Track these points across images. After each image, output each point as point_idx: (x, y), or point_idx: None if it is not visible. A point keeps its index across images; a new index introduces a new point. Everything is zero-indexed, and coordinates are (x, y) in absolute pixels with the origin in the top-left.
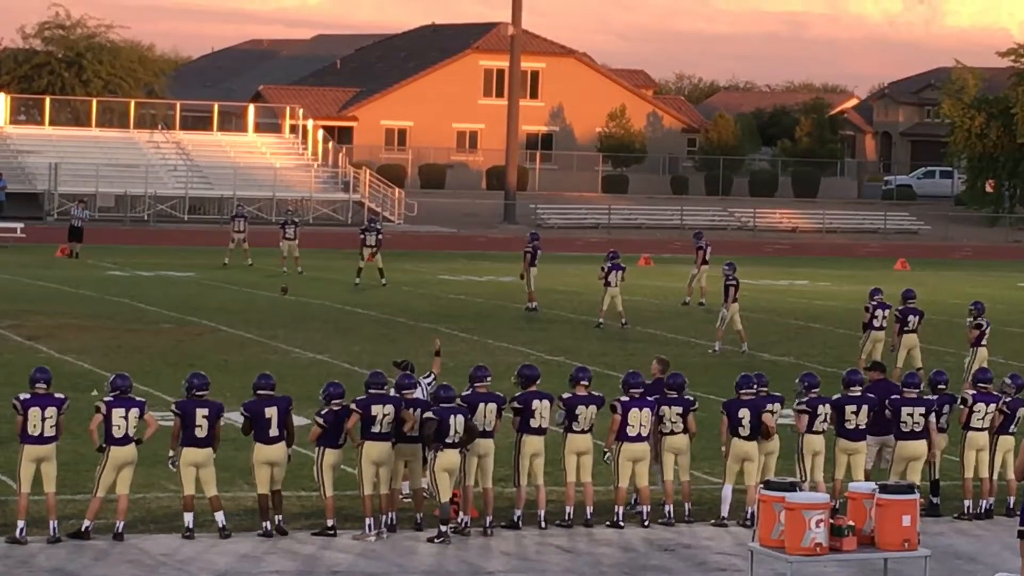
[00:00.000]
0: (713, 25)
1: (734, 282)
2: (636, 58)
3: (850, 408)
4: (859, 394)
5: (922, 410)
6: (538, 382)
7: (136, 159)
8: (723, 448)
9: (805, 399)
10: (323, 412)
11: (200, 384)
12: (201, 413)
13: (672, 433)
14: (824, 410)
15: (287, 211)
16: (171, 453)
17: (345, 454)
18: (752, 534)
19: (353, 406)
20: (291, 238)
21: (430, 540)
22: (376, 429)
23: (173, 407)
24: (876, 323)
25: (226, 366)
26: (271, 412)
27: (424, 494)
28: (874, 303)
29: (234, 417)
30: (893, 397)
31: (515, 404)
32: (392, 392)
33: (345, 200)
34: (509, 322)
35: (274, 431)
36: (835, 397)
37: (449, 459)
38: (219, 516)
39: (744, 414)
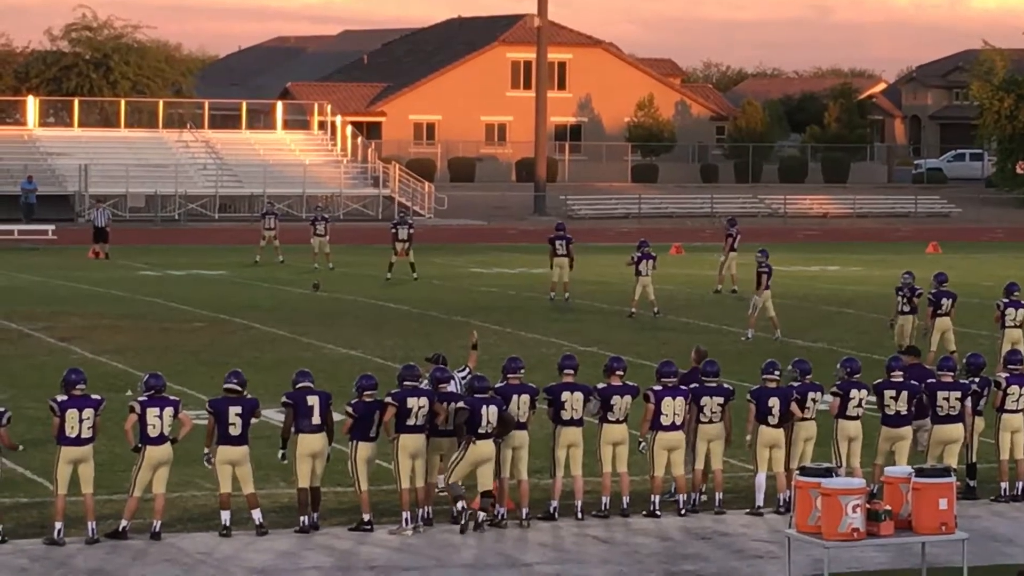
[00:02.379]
0: (739, 12)
1: (767, 269)
2: (663, 47)
3: (889, 393)
4: (900, 379)
5: (958, 394)
6: (570, 372)
7: (165, 159)
8: (747, 437)
9: (839, 382)
10: (353, 402)
11: (235, 381)
12: (234, 411)
13: (710, 422)
14: (858, 395)
15: (317, 207)
16: (206, 451)
17: (380, 448)
18: (788, 520)
19: (389, 399)
20: (321, 234)
21: (455, 522)
22: (411, 422)
23: (207, 405)
24: (904, 308)
25: (258, 363)
26: (313, 400)
27: (436, 490)
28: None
29: (269, 415)
30: (929, 381)
31: (546, 395)
32: (426, 385)
33: (375, 195)
34: (541, 314)
35: (316, 419)
36: (876, 382)
37: (482, 450)
38: (256, 514)
39: (774, 402)
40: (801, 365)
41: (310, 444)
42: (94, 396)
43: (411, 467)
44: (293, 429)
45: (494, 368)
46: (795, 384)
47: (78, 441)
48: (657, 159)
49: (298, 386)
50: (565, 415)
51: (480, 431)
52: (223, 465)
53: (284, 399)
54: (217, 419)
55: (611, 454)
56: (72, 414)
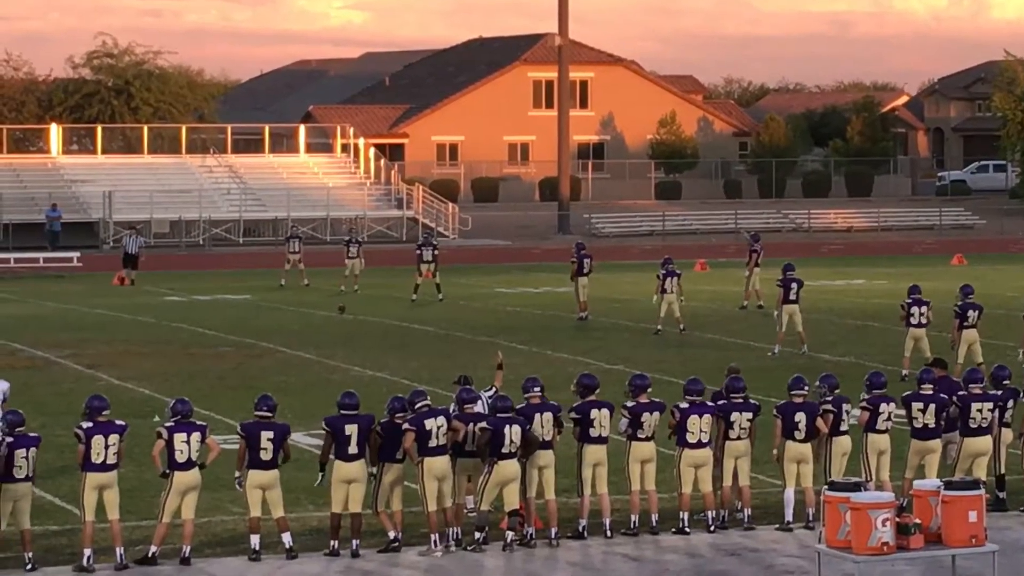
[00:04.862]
0: (759, 28)
1: (782, 283)
2: (684, 64)
3: (917, 406)
4: (929, 392)
5: (989, 406)
6: (597, 391)
7: (189, 184)
8: (774, 452)
9: (868, 396)
10: (383, 422)
11: (265, 405)
12: (266, 436)
13: (739, 439)
14: (888, 408)
15: (350, 230)
16: (237, 474)
17: (407, 470)
18: (818, 535)
19: (407, 425)
20: (354, 256)
21: (466, 548)
22: (433, 443)
23: (238, 429)
24: (913, 320)
25: (286, 386)
26: (351, 429)
27: (466, 511)
28: (909, 301)
29: (296, 438)
30: (961, 394)
31: (573, 414)
32: (452, 407)
33: (399, 217)
34: (567, 333)
35: (353, 448)
36: (904, 394)
37: (506, 470)
38: (286, 537)
39: (800, 417)
40: (829, 380)
41: (346, 472)
42: (118, 422)
43: (437, 489)
44: (332, 455)
45: (520, 388)
46: (828, 399)
47: (103, 467)
48: (680, 176)
49: (343, 412)
50: (593, 432)
51: (503, 451)
52: (253, 489)
53: (324, 425)
54: (249, 443)
55: (639, 472)
56: (98, 440)
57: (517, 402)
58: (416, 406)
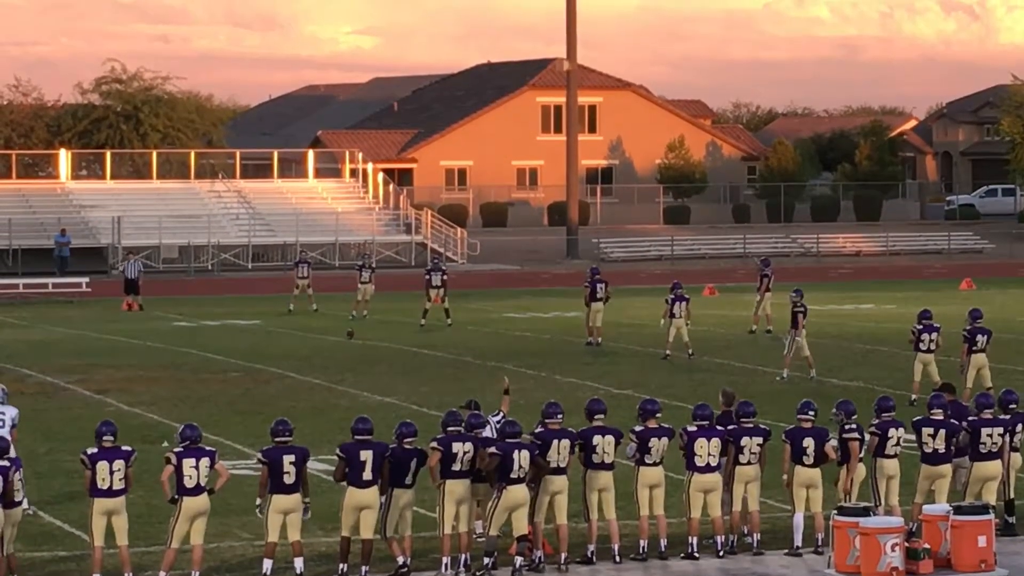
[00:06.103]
0: (768, 52)
1: (802, 309)
2: (692, 88)
3: (927, 431)
4: (940, 418)
5: (999, 430)
6: (602, 416)
7: (198, 209)
8: (784, 477)
9: (876, 421)
10: (391, 447)
11: (285, 430)
12: (288, 460)
13: (748, 464)
14: (896, 434)
15: (364, 255)
16: (259, 501)
17: (416, 495)
18: (827, 560)
19: (434, 444)
20: (366, 281)
21: (475, 573)
22: (457, 467)
23: (260, 455)
24: (923, 346)
25: (294, 412)
26: (366, 455)
27: (475, 536)
28: (920, 327)
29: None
30: (971, 419)
31: (578, 440)
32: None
33: (408, 242)
34: (576, 357)
35: (368, 475)
36: (915, 419)
37: (515, 495)
38: (298, 562)
39: (809, 443)
40: (845, 406)
41: (358, 498)
42: (124, 447)
43: (455, 513)
44: (345, 481)
45: (529, 413)
46: (850, 426)
47: (110, 493)
48: (689, 200)
49: (356, 437)
50: (596, 459)
51: (512, 476)
52: (275, 514)
53: (339, 452)
54: (272, 469)
55: (648, 497)
56: (103, 466)
57: (526, 427)
58: (448, 428)
